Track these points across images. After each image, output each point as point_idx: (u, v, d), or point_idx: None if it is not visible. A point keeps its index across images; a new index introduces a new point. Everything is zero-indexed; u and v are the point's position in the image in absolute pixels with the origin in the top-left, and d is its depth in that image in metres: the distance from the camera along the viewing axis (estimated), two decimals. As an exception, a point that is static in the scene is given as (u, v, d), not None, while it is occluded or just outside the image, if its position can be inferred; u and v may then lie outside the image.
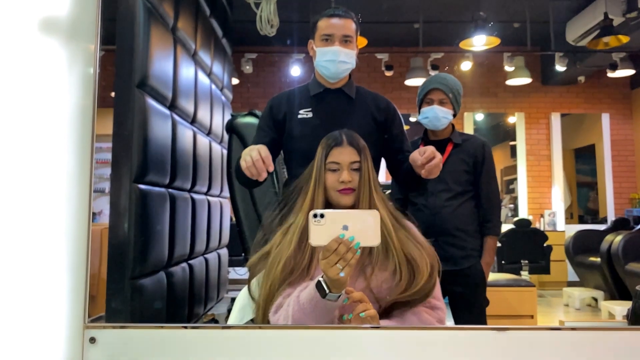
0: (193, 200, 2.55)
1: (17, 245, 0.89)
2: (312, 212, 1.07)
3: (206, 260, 2.88)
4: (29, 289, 0.89)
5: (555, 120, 6.10)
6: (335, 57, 1.60)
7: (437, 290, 1.33)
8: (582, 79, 5.87)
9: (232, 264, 3.94)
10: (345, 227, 1.06)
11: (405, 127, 1.79)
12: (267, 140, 1.66)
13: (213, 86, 3.09)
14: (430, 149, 1.42)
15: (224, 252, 3.44)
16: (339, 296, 1.11)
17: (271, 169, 1.38)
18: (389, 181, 2.12)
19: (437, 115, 2.01)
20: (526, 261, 4.69)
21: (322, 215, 1.07)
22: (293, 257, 1.28)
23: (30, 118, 0.92)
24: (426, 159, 1.41)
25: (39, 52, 0.92)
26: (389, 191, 2.31)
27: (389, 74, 5.48)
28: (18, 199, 0.90)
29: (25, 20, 0.92)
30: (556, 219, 5.91)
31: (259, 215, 2.05)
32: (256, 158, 1.36)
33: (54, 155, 0.94)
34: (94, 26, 0.96)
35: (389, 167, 1.75)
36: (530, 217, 5.76)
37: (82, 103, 0.96)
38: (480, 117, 6.50)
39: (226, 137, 2.49)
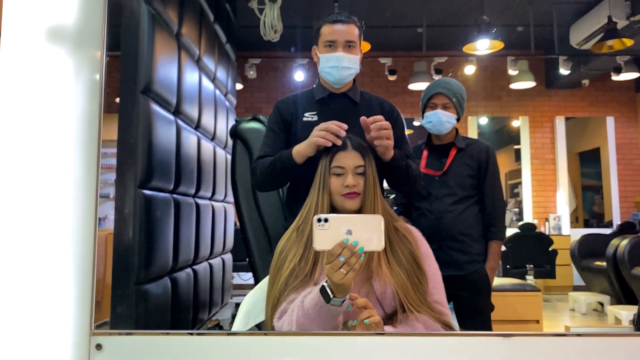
0: (197, 205, 2.56)
1: (24, 251, 0.90)
2: (316, 217, 1.07)
3: (210, 265, 2.88)
4: (35, 295, 0.90)
5: (560, 123, 6.08)
6: (338, 63, 1.60)
7: (442, 296, 1.33)
8: (586, 82, 5.85)
9: (236, 269, 3.93)
10: (349, 232, 1.06)
11: (409, 132, 1.79)
12: (281, 142, 1.66)
13: (217, 91, 3.10)
14: (381, 117, 1.42)
15: (228, 257, 3.44)
16: (343, 301, 1.11)
17: (345, 126, 1.40)
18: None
19: (440, 120, 2.01)
20: (531, 265, 4.67)
21: (326, 220, 1.07)
22: (297, 262, 1.28)
23: (38, 124, 0.92)
24: (373, 120, 1.41)
25: (47, 59, 0.93)
26: (393, 195, 2.31)
27: (392, 78, 5.49)
28: (25, 204, 0.90)
29: (33, 29, 0.93)
30: (561, 223, 5.88)
31: (263, 220, 2.05)
32: (326, 125, 1.39)
33: (60, 161, 0.94)
34: (100, 33, 0.97)
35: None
36: (535, 221, 5.74)
37: (89, 109, 0.97)
38: (484, 121, 6.49)
39: (230, 142, 2.50)
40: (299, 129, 1.65)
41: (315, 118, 1.65)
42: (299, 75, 5.15)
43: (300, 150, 1.49)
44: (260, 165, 1.63)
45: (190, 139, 2.45)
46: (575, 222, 6.61)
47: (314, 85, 1.74)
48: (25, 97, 0.92)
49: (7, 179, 0.90)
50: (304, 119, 1.65)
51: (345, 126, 1.41)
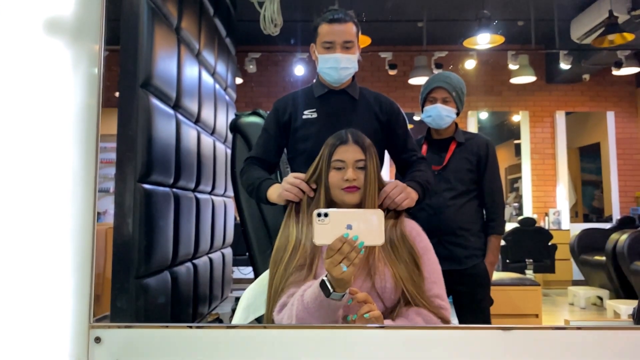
0: (197, 199, 2.56)
1: (23, 245, 0.90)
2: (316, 211, 1.07)
3: (210, 259, 2.89)
4: (34, 289, 0.90)
5: (560, 118, 6.08)
6: (337, 65, 1.60)
7: (442, 290, 1.33)
8: (586, 77, 5.84)
9: (236, 263, 3.94)
10: (349, 227, 1.06)
11: (409, 126, 1.78)
12: (273, 145, 1.69)
13: (217, 86, 3.10)
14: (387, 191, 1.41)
15: (228, 251, 3.44)
16: (343, 295, 1.11)
17: (312, 194, 1.40)
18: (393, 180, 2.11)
19: (440, 114, 2.00)
20: (531, 260, 4.68)
21: (326, 214, 1.07)
22: (297, 255, 1.29)
23: (35, 118, 0.92)
24: (384, 197, 1.39)
25: (44, 53, 0.93)
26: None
27: (392, 72, 5.47)
28: (23, 198, 0.90)
29: (30, 21, 0.92)
30: (561, 218, 5.89)
31: (262, 215, 2.05)
32: (298, 182, 1.39)
33: (59, 155, 0.94)
34: (99, 26, 0.97)
35: (397, 167, 1.76)
36: (535, 216, 5.74)
37: (87, 103, 0.97)
38: (484, 115, 6.49)
39: (230, 136, 2.50)
40: (299, 126, 1.66)
41: (315, 115, 1.65)
42: (299, 70, 5.13)
43: (273, 197, 1.52)
44: (245, 176, 1.66)
45: (190, 133, 2.45)
46: (574, 216, 6.62)
47: (314, 81, 1.74)
48: (22, 90, 0.91)
49: (5, 173, 0.89)
50: (304, 116, 1.66)
51: (312, 193, 1.40)
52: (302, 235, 1.32)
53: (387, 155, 1.76)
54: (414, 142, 1.75)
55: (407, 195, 1.41)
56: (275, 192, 1.50)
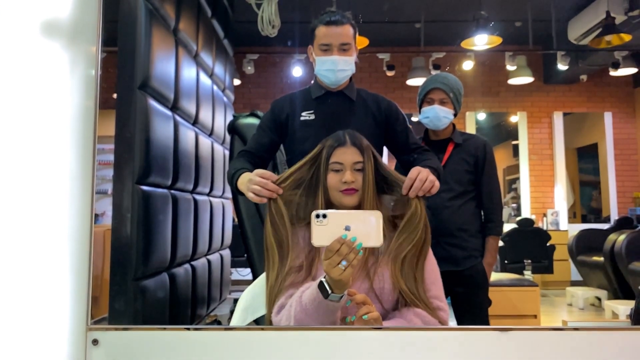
0: (195, 201, 2.56)
1: (20, 247, 0.89)
2: (314, 213, 1.07)
3: (209, 261, 2.88)
4: (31, 291, 0.89)
5: (558, 119, 6.08)
6: (334, 67, 1.61)
7: (440, 291, 1.33)
8: (584, 77, 5.85)
9: (234, 264, 3.94)
10: (348, 228, 1.06)
11: (408, 127, 1.78)
12: (267, 140, 1.68)
13: (215, 87, 3.10)
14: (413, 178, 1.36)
15: (227, 253, 3.44)
16: (342, 297, 1.11)
17: (280, 191, 1.37)
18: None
19: (437, 115, 2.00)
20: (529, 261, 4.68)
21: (324, 216, 1.07)
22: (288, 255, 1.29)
23: (32, 120, 0.92)
24: (409, 185, 1.35)
25: (41, 54, 0.93)
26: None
27: (390, 74, 5.48)
28: (20, 200, 0.90)
29: (27, 23, 0.92)
30: (559, 219, 5.89)
31: (260, 216, 2.05)
32: (264, 182, 1.35)
33: (56, 157, 0.94)
34: (96, 28, 0.97)
35: (401, 164, 1.76)
36: (533, 217, 5.75)
37: (84, 105, 0.97)
38: (482, 116, 6.49)
39: (228, 138, 2.50)
40: (296, 127, 1.66)
41: (312, 117, 1.66)
42: (297, 71, 5.13)
43: (241, 187, 1.48)
44: (231, 166, 1.63)
45: (188, 134, 2.45)
46: (573, 217, 6.63)
47: (312, 82, 1.74)
48: (19, 92, 0.91)
49: (2, 175, 0.89)
50: (302, 118, 1.66)
51: (281, 191, 1.37)
52: (288, 234, 1.32)
53: (385, 151, 1.76)
54: (415, 137, 1.75)
55: (434, 179, 1.36)
56: (243, 183, 1.46)
